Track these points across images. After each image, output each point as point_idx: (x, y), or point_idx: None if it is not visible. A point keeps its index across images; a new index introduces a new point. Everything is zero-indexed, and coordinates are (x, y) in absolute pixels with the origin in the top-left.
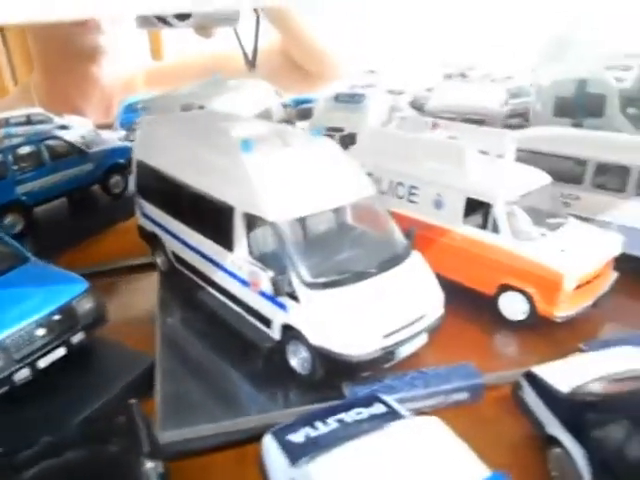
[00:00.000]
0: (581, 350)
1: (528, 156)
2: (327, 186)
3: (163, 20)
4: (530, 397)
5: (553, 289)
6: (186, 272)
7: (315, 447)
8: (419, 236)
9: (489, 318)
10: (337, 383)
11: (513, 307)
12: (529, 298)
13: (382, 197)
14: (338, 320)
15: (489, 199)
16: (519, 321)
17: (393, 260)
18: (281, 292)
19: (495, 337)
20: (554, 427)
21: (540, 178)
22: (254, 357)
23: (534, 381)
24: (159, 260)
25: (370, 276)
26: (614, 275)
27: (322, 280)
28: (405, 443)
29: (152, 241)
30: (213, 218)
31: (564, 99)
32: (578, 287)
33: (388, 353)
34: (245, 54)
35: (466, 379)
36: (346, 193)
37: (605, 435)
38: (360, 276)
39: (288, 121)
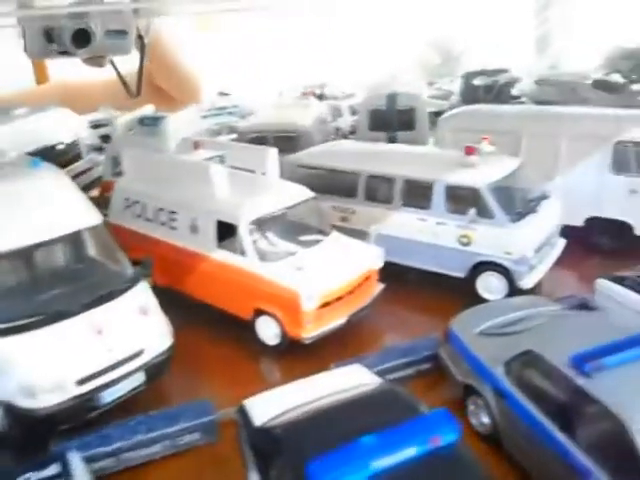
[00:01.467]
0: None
1: (310, 172)
2: (40, 219)
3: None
4: (242, 433)
5: (294, 310)
6: None
7: None
8: (180, 263)
9: (253, 344)
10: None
11: (267, 331)
12: (278, 321)
13: (148, 225)
14: (17, 369)
15: (233, 220)
16: (276, 345)
17: (109, 294)
18: None
19: (255, 365)
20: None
21: (299, 194)
22: None
23: (243, 414)
24: None
25: (71, 315)
26: (378, 287)
27: (5, 326)
28: None
29: None
30: None
31: (377, 113)
32: (325, 305)
33: (86, 401)
34: (124, 82)
35: (196, 418)
36: (62, 224)
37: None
38: (57, 316)
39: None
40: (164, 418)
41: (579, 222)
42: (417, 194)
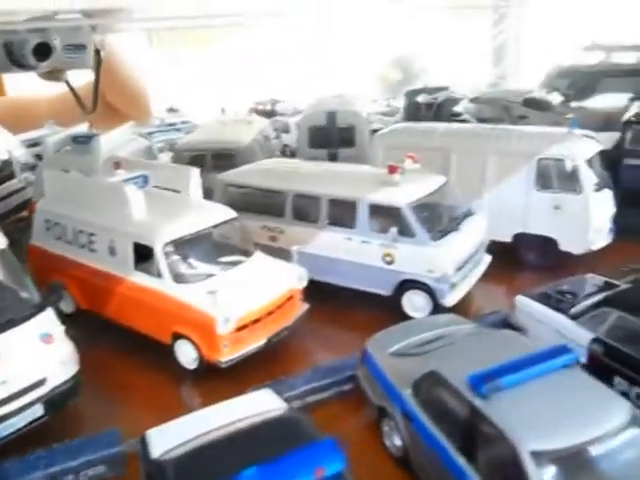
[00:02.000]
0: None
1: (239, 191)
2: None
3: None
4: (141, 465)
5: (210, 334)
6: None
7: None
8: (100, 286)
9: (175, 369)
10: None
11: (186, 355)
12: (195, 345)
13: (68, 247)
14: None
15: (149, 242)
16: (194, 370)
17: (9, 322)
18: None
19: (175, 390)
20: None
21: (221, 215)
22: None
23: (143, 446)
24: None
25: None
26: (302, 307)
27: None
28: None
29: None
30: None
31: (317, 130)
32: (242, 328)
33: None
34: (77, 97)
35: (102, 449)
36: None
37: None
38: None
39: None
40: (66, 451)
41: (507, 238)
42: (342, 213)
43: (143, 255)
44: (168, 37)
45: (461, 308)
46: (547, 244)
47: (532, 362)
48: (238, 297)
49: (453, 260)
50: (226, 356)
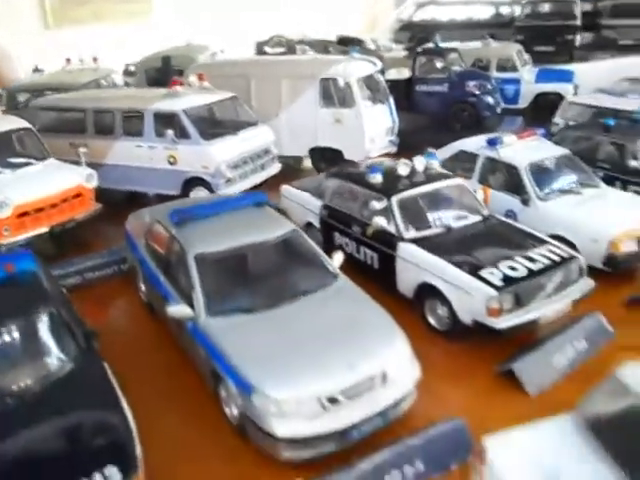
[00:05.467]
0: None
1: (49, 114)
2: None
3: None
4: None
5: None
6: None
7: None
8: None
9: None
10: None
11: None
12: None
13: None
14: None
15: None
16: None
17: None
18: None
19: None
20: None
21: (11, 124)
22: None
23: None
24: None
25: None
26: (94, 206)
27: None
28: None
29: None
30: None
31: (153, 72)
32: (23, 215)
33: None
34: None
35: None
36: None
37: None
38: None
39: None
40: None
41: (304, 153)
42: (133, 124)
43: None
44: None
45: None
46: (335, 155)
47: (225, 204)
48: (18, 188)
49: (224, 158)
50: (7, 239)
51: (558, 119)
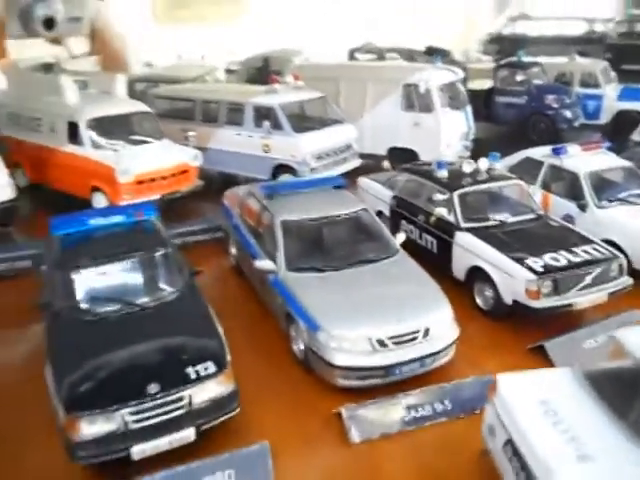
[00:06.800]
0: None
1: (164, 102)
2: None
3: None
4: None
5: (114, 183)
6: None
7: None
8: (44, 159)
9: None
10: None
11: (99, 201)
12: (106, 194)
13: (22, 131)
14: None
15: (76, 119)
16: None
17: None
18: None
19: None
20: None
21: (135, 107)
22: None
23: None
24: None
25: None
26: (197, 182)
27: None
28: None
29: None
30: None
31: (254, 71)
32: (140, 183)
33: None
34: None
35: None
36: None
37: None
38: None
39: None
40: None
41: (383, 151)
42: (235, 114)
43: (74, 131)
44: None
45: None
46: (412, 155)
47: (309, 183)
48: (137, 160)
49: (311, 149)
50: (127, 202)
51: (636, 136)
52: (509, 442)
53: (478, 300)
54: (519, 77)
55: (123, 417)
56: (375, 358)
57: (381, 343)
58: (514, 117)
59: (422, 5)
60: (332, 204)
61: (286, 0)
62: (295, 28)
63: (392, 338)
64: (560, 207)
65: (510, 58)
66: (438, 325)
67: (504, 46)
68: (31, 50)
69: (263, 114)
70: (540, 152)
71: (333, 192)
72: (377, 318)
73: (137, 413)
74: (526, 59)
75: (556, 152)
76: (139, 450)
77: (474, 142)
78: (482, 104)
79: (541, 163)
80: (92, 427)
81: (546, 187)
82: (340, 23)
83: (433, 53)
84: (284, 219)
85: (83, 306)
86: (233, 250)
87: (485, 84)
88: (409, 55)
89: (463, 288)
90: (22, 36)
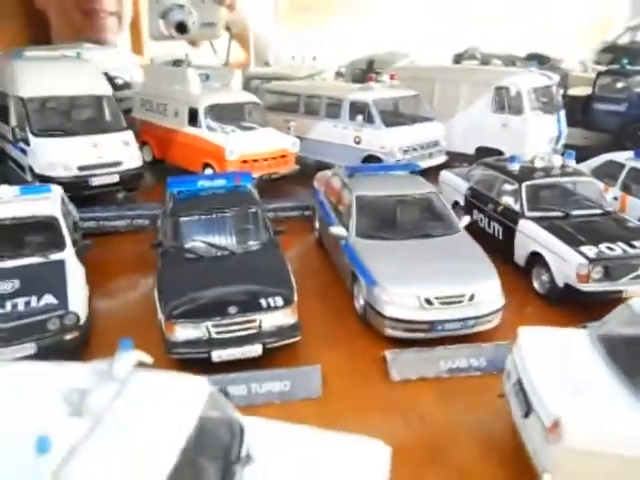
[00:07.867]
0: None
1: (272, 96)
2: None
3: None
4: None
5: (222, 160)
6: None
7: None
8: (167, 139)
9: None
10: None
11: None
12: (214, 169)
13: (152, 114)
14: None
15: (197, 106)
16: None
17: (104, 129)
18: None
19: None
20: None
21: (246, 98)
22: None
23: None
24: None
25: (78, 134)
26: (294, 167)
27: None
28: None
29: None
30: None
31: (358, 72)
32: (244, 162)
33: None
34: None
35: None
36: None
37: None
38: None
39: None
40: None
41: (471, 151)
42: (333, 108)
43: (194, 116)
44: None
45: None
46: (498, 155)
47: (388, 167)
48: (243, 142)
49: (398, 142)
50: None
51: None
52: (518, 381)
53: (535, 284)
54: (620, 84)
55: (208, 328)
56: (421, 313)
57: (428, 301)
58: (612, 124)
59: (552, 13)
60: (404, 185)
61: (400, 6)
62: (406, 33)
63: (439, 298)
64: (638, 209)
65: (611, 66)
66: (484, 293)
67: (617, 55)
68: (169, 49)
69: (358, 108)
70: (623, 155)
71: (408, 176)
72: (428, 280)
73: (218, 326)
74: (629, 67)
75: (638, 155)
76: (217, 354)
77: (566, 147)
78: (579, 110)
79: (623, 166)
80: (184, 332)
81: (626, 189)
82: (450, 28)
83: (534, 59)
84: (359, 194)
85: (186, 246)
86: (317, 224)
87: (586, 91)
88: (510, 61)
89: (523, 273)
90: (161, 38)
